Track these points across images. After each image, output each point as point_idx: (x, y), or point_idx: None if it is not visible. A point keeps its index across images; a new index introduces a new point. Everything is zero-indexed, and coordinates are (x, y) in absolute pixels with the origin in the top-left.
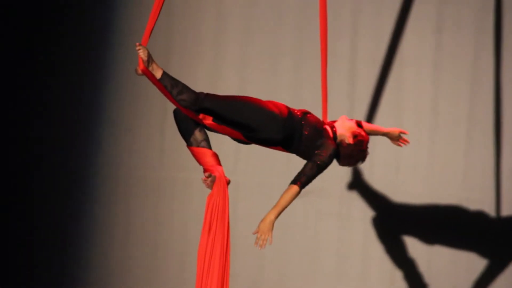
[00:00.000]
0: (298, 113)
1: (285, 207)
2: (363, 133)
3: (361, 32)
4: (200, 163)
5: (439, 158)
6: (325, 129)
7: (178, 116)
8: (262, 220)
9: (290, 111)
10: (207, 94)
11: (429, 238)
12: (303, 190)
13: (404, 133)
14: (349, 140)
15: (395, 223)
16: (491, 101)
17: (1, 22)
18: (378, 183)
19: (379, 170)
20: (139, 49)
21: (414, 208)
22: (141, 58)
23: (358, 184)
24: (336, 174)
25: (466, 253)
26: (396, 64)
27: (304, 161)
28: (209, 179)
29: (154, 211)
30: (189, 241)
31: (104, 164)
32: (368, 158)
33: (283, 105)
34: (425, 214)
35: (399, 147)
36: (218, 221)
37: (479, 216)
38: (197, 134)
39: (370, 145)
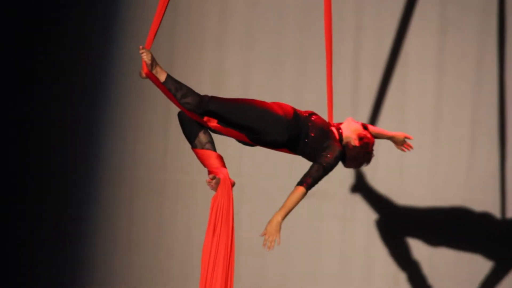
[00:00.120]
0: (304, 115)
1: (292, 209)
2: (369, 135)
3: (364, 34)
4: (204, 165)
5: (443, 160)
6: (331, 131)
7: (182, 118)
8: (269, 222)
9: (295, 113)
10: (212, 97)
11: (432, 240)
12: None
13: (408, 138)
14: (355, 142)
15: (398, 225)
16: (494, 102)
17: (2, 22)
18: (381, 185)
19: (382, 172)
20: (142, 53)
21: (417, 210)
22: (145, 61)
23: (361, 186)
24: (340, 176)
25: (470, 255)
26: (399, 66)
27: (309, 163)
28: (214, 181)
29: (157, 213)
30: (193, 243)
31: (107, 166)
32: (372, 161)
33: (289, 106)
34: (429, 216)
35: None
36: (223, 223)
37: (483, 217)
38: (202, 137)
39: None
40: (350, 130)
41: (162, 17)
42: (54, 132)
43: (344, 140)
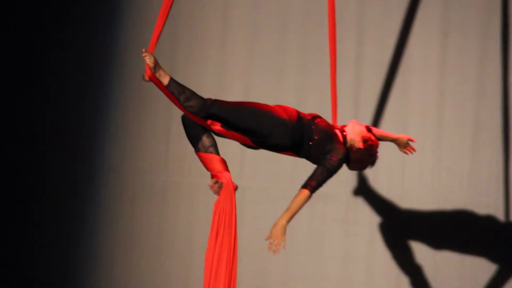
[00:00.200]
0: (308, 118)
1: (296, 212)
2: (373, 137)
3: (366, 36)
4: (207, 168)
5: (445, 163)
6: (335, 133)
7: (186, 121)
8: (274, 225)
9: (299, 116)
10: (215, 100)
11: (435, 243)
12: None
13: (412, 140)
14: (359, 144)
15: (400, 228)
16: (497, 105)
17: (5, 23)
18: (383, 188)
19: (384, 175)
20: (145, 56)
21: (420, 213)
22: (148, 64)
23: (364, 190)
24: (342, 179)
25: (473, 258)
26: (401, 69)
27: (312, 165)
28: (216, 185)
29: (159, 216)
30: (194, 245)
31: (109, 169)
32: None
33: (293, 109)
34: (431, 219)
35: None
36: (225, 227)
37: (487, 220)
38: (205, 140)
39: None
40: (354, 133)
41: (165, 20)
42: (56, 134)
43: (348, 143)
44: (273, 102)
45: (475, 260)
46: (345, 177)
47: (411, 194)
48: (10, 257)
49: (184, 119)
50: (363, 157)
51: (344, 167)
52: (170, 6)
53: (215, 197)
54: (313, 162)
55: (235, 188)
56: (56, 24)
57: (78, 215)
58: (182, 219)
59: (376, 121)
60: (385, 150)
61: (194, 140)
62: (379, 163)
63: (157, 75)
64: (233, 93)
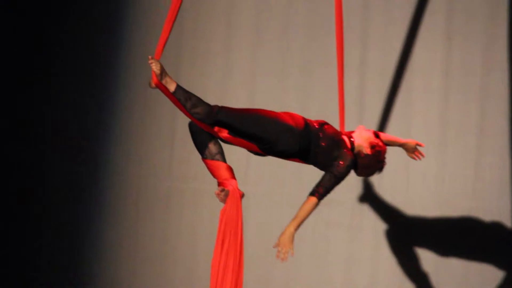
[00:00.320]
0: (315, 124)
1: (304, 219)
2: (380, 143)
3: (370, 42)
4: (214, 176)
5: (449, 168)
6: (343, 139)
7: (193, 129)
8: (282, 233)
9: (306, 123)
10: (222, 107)
11: (440, 250)
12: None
13: (420, 145)
14: (367, 150)
15: (405, 234)
16: (502, 110)
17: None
18: (387, 194)
19: (388, 181)
20: (151, 63)
21: (424, 220)
22: (154, 71)
23: (369, 196)
24: (346, 184)
25: (478, 265)
26: (405, 74)
27: (318, 171)
28: (223, 193)
29: (162, 221)
30: (198, 250)
31: (113, 172)
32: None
33: (299, 116)
34: (436, 225)
35: (408, 158)
36: (231, 234)
37: (492, 226)
38: (212, 147)
39: None
40: (362, 139)
41: (172, 27)
42: (59, 136)
43: (356, 149)
44: (277, 106)
45: (480, 267)
46: (350, 182)
47: (415, 200)
48: (10, 258)
49: (191, 126)
50: (371, 163)
51: (352, 173)
52: (177, 13)
53: (219, 203)
54: (321, 169)
55: (242, 195)
56: (57, 24)
57: (82, 217)
58: (186, 224)
59: (380, 126)
60: (389, 156)
61: (201, 147)
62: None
63: (163, 82)
64: (237, 98)
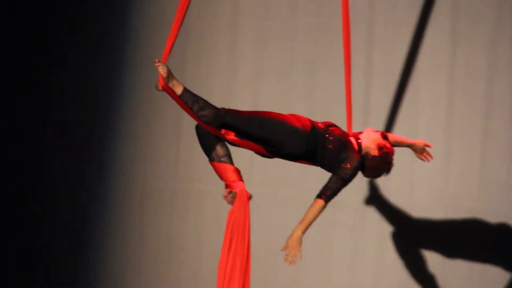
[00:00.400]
0: (322, 126)
1: (312, 222)
2: (388, 145)
3: (376, 45)
4: (221, 178)
5: (454, 171)
6: (350, 141)
7: (200, 131)
8: (289, 236)
9: (313, 125)
10: (229, 110)
11: (445, 252)
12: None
13: (428, 146)
14: (375, 152)
15: (409, 236)
16: (506, 113)
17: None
18: (392, 196)
19: (393, 183)
20: (158, 66)
21: (429, 222)
22: (161, 74)
23: (375, 199)
24: (351, 186)
25: (484, 267)
26: (410, 76)
27: (322, 171)
28: (230, 195)
29: (167, 223)
30: (203, 252)
31: (118, 174)
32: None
33: (306, 118)
34: (440, 227)
35: (413, 160)
36: (239, 236)
37: (497, 228)
38: (219, 150)
39: None
40: (370, 140)
41: (179, 30)
42: (67, 139)
43: (364, 150)
44: (282, 107)
45: (485, 268)
46: (354, 184)
47: (420, 202)
48: (10, 258)
49: (198, 129)
50: (378, 164)
51: (359, 174)
52: (184, 17)
53: (224, 204)
54: (328, 171)
55: (249, 197)
56: (57, 24)
57: (87, 217)
58: (190, 225)
59: (386, 127)
60: (394, 157)
61: (208, 149)
62: None
63: (170, 85)
64: (242, 99)
